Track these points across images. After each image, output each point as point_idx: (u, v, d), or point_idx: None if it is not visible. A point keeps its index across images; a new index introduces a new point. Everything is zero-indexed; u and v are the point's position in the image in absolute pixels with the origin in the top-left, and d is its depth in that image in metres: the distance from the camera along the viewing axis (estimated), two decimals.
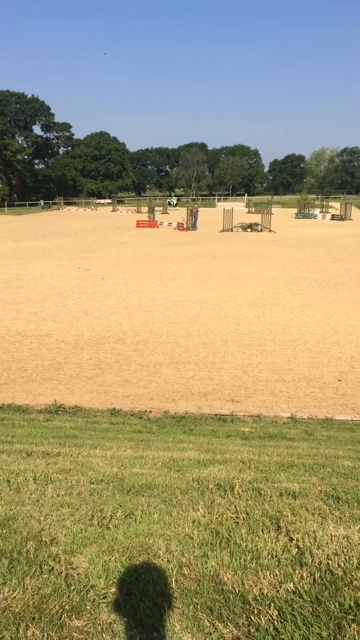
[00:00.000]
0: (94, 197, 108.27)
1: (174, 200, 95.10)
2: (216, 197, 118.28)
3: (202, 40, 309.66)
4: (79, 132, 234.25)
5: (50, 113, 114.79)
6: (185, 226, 50.23)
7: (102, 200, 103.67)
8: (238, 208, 71.52)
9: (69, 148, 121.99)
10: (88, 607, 2.31)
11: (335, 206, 79.66)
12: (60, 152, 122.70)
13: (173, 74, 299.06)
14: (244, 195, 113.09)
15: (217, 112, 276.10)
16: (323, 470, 5.15)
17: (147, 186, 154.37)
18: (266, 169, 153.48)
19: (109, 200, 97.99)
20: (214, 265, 28.44)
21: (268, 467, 5.24)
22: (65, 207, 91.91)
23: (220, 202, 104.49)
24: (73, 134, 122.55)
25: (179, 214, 57.82)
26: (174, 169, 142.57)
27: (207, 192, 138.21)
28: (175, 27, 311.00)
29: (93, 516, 3.36)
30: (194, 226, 50.50)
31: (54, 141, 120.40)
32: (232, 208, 52.69)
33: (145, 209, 70.53)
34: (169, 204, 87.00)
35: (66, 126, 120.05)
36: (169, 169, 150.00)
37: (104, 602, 2.34)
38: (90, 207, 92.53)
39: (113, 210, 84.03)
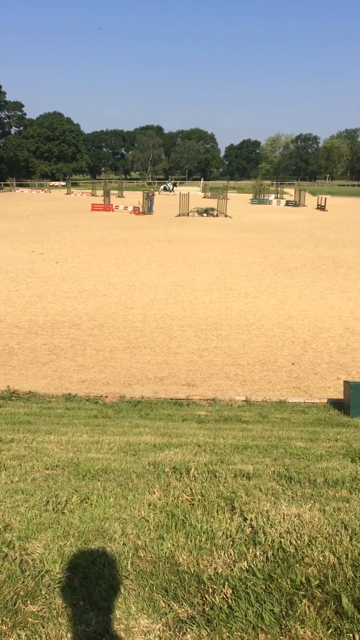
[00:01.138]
0: (48, 179, 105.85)
1: (170, 185, 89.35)
2: (172, 181, 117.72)
3: (159, 23, 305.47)
4: (31, 112, 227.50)
5: (1, 91, 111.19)
6: (141, 210, 49.86)
7: (56, 183, 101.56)
8: (194, 193, 71.42)
9: (21, 128, 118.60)
10: (43, 592, 2.30)
11: (290, 192, 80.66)
12: (12, 132, 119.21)
13: (129, 55, 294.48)
14: (200, 179, 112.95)
15: (173, 94, 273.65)
16: (276, 452, 5.27)
17: (103, 169, 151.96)
18: (222, 153, 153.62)
19: (63, 183, 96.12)
20: (170, 249, 28.40)
21: (223, 449, 5.32)
22: (17, 189, 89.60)
23: (176, 186, 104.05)
24: (25, 114, 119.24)
25: (135, 198, 57.31)
26: (130, 152, 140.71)
27: (163, 176, 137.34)
28: (132, 9, 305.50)
29: (48, 502, 3.33)
30: (150, 210, 50.18)
31: (5, 120, 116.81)
32: (189, 192, 52.60)
33: (100, 192, 69.47)
34: (165, 189, 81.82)
35: (18, 105, 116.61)
36: (124, 152, 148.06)
37: (59, 587, 2.34)
38: (43, 190, 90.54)
39: (67, 193, 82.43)
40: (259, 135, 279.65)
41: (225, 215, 48.39)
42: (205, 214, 49.24)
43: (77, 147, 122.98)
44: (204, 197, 74.18)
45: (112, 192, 64.63)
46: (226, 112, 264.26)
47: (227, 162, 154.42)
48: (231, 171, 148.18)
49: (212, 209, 50.01)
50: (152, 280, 20.58)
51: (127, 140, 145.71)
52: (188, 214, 48.47)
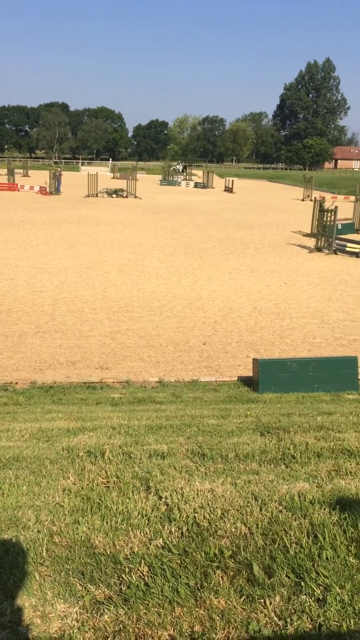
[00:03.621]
0: None
1: (179, 167, 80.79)
2: (80, 161, 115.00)
3: None
4: None
5: None
6: (48, 190, 48.41)
7: None
8: (103, 173, 70.25)
9: None
10: None
11: (198, 174, 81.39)
12: None
13: (31, 28, 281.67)
14: (108, 159, 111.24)
15: (78, 70, 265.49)
16: (190, 430, 5.38)
17: (6, 147, 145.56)
18: (130, 133, 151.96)
19: None
20: (79, 231, 27.86)
21: (137, 430, 5.36)
22: None
23: (84, 166, 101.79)
24: None
25: (42, 177, 55.35)
26: (34, 130, 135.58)
27: (70, 155, 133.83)
28: None
29: None
30: (57, 190, 48.83)
31: None
32: (97, 173, 51.66)
33: (4, 171, 66.54)
34: (174, 170, 76.25)
35: None
36: (28, 129, 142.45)
37: None
38: None
39: None
40: (167, 116, 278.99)
41: (135, 197, 48.10)
42: (114, 195, 48.65)
43: None
44: (113, 177, 73.18)
45: (16, 171, 62.09)
46: (133, 91, 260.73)
47: (135, 143, 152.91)
48: (140, 152, 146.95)
49: (122, 190, 49.50)
50: (61, 262, 20.13)
51: (31, 117, 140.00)
52: (97, 194, 47.69)
